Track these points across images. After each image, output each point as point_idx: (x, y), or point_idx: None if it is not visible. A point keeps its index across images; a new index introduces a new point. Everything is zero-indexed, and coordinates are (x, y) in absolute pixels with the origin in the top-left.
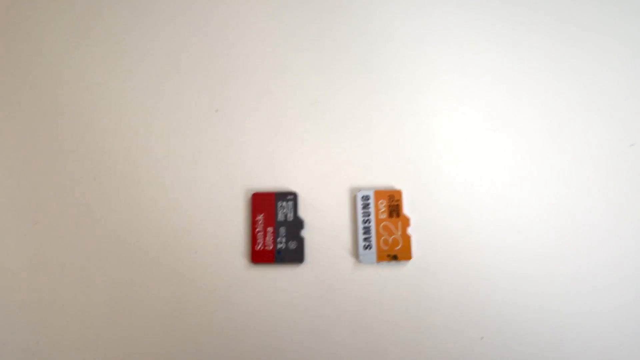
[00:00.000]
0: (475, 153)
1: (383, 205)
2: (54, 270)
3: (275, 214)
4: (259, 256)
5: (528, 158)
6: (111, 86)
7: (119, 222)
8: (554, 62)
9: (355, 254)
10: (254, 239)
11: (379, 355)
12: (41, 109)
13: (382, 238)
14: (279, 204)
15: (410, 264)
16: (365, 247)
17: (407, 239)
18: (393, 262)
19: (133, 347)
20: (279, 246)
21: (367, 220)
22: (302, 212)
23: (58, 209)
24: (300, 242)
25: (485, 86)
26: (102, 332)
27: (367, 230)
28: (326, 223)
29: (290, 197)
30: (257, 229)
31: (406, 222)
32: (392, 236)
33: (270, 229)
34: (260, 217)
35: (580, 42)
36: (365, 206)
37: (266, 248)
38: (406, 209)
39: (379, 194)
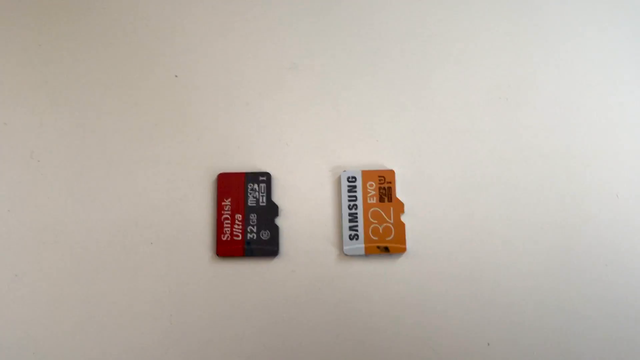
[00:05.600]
0: (483, 126)
1: (372, 187)
2: None
3: (245, 198)
4: (226, 248)
5: (544, 131)
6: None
7: (57, 207)
8: (577, 24)
9: (340, 246)
10: (219, 228)
11: None
12: None
13: (371, 226)
14: (250, 186)
15: (404, 257)
16: (352, 238)
17: (400, 228)
18: (384, 255)
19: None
20: (249, 236)
21: (354, 205)
22: (277, 196)
23: None
24: (275, 231)
25: (496, 49)
26: (31, 339)
27: (353, 218)
28: (305, 209)
29: (263, 178)
30: (224, 216)
31: (399, 207)
32: (383, 224)
33: (238, 216)
34: (227, 202)
35: (603, 8)
36: (352, 189)
37: (234, 238)
38: (399, 193)
39: (368, 174)
